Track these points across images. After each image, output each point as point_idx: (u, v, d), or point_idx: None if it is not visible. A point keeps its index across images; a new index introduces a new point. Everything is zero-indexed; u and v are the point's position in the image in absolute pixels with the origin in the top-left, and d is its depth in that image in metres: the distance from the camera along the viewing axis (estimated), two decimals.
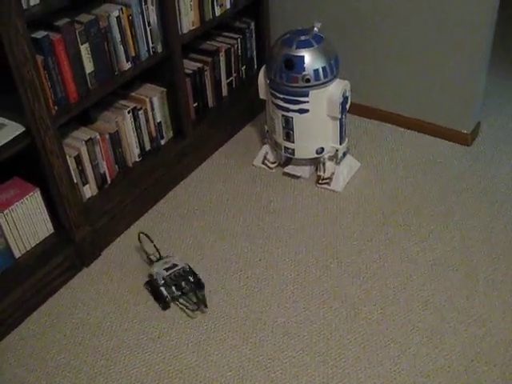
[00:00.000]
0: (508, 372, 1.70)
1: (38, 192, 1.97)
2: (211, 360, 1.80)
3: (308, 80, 2.16)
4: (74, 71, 1.93)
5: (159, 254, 2.08)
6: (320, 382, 1.72)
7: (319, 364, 1.76)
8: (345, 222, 2.25)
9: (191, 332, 1.89)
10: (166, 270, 1.98)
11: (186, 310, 1.95)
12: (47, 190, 1.97)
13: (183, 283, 1.95)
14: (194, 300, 1.95)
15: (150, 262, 2.07)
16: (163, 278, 1.96)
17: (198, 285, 1.96)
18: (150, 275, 2.03)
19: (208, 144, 2.61)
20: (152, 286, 2.01)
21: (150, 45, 2.17)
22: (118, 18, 2.02)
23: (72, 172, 2.01)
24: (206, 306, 1.94)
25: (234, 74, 2.72)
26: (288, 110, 2.25)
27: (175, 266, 1.99)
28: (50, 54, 1.83)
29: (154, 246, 2.10)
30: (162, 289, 1.96)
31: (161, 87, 2.33)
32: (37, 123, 1.80)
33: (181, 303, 1.97)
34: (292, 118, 2.26)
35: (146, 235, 2.12)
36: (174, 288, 1.95)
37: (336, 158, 2.38)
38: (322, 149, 2.34)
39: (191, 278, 1.96)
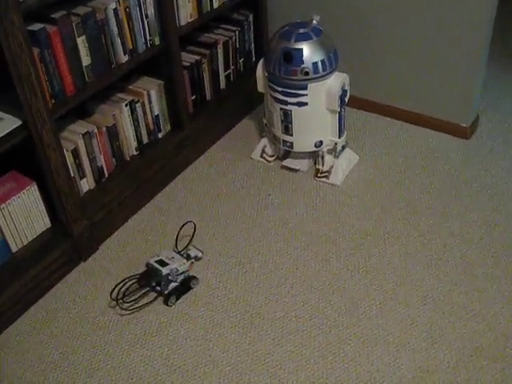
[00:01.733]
0: (507, 367, 1.70)
1: (35, 186, 1.95)
2: (210, 355, 1.80)
3: (307, 73, 2.14)
4: (70, 64, 1.91)
5: (176, 246, 2.10)
6: (319, 376, 1.71)
7: (318, 359, 1.76)
8: (343, 215, 2.24)
9: (189, 327, 1.88)
10: (160, 262, 1.96)
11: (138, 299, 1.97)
12: (44, 183, 1.95)
13: (155, 282, 1.95)
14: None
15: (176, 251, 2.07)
16: (148, 264, 1.98)
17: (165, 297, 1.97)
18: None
19: (206, 137, 2.60)
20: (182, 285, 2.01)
21: (148, 37, 2.16)
22: (115, 10, 2.00)
23: (69, 166, 2.00)
24: (166, 304, 1.96)
25: (232, 67, 2.70)
26: (287, 103, 2.24)
27: (167, 264, 1.95)
28: (47, 47, 1.81)
29: (176, 237, 2.12)
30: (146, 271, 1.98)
31: (158, 80, 2.31)
32: (33, 116, 1.78)
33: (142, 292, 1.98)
34: (291, 111, 2.25)
35: (194, 226, 2.17)
36: (153, 279, 1.95)
37: (335, 152, 2.37)
38: (321, 142, 2.33)
39: (156, 285, 1.94)
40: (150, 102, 2.29)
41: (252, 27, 2.74)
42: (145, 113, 2.29)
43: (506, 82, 2.90)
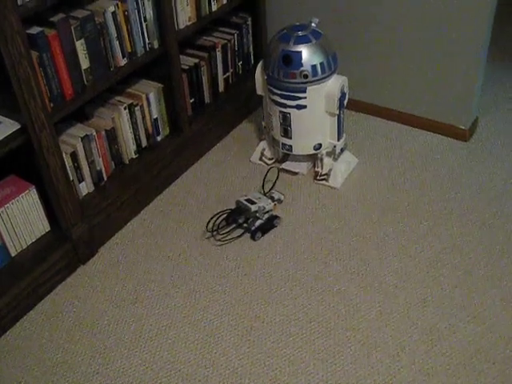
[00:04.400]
0: (508, 369, 1.69)
1: (34, 190, 1.95)
2: (209, 358, 1.79)
3: (306, 76, 2.14)
4: (69, 67, 1.91)
5: (263, 188, 2.33)
6: (319, 379, 1.71)
7: (318, 362, 1.76)
8: (343, 218, 2.24)
9: (189, 330, 1.88)
10: (249, 200, 2.18)
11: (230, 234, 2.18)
12: (43, 187, 1.95)
13: (243, 219, 2.17)
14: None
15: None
16: (238, 202, 2.20)
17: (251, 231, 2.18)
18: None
19: (205, 140, 2.60)
20: (264, 225, 2.19)
21: (146, 40, 2.16)
22: (114, 13, 2.00)
23: (68, 169, 2.00)
24: (252, 238, 2.17)
25: (231, 70, 2.70)
26: (285, 106, 2.24)
27: (255, 203, 2.16)
28: (46, 50, 1.81)
29: (264, 179, 2.34)
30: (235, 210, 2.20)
31: (157, 83, 2.31)
32: (32, 120, 1.78)
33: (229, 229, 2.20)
34: (289, 114, 2.25)
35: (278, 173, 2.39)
36: (241, 216, 2.18)
37: (334, 154, 2.37)
38: (320, 145, 2.33)
39: (243, 222, 2.17)
40: (148, 106, 2.29)
41: (251, 30, 2.74)
42: (144, 116, 2.29)
43: (504, 84, 2.90)
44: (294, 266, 2.06)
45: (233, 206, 2.24)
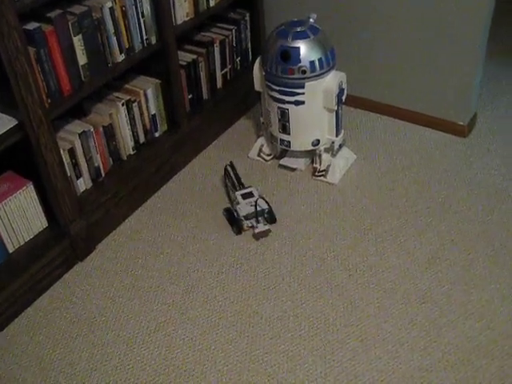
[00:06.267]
0: (506, 365, 1.69)
1: (32, 186, 1.95)
2: (208, 354, 1.79)
3: (304, 71, 2.14)
4: (66, 63, 1.90)
5: (256, 213, 2.17)
6: (317, 376, 1.71)
7: (316, 358, 1.76)
8: (341, 214, 2.23)
9: (187, 327, 1.88)
10: (248, 193, 2.21)
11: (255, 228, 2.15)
12: (41, 183, 1.95)
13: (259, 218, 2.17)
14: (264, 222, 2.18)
15: (233, 191, 2.28)
16: (246, 186, 2.25)
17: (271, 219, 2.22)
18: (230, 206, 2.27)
19: (203, 136, 2.59)
20: (230, 213, 2.22)
21: (144, 36, 2.15)
22: (111, 8, 1.99)
23: (66, 165, 1.99)
24: (274, 221, 2.22)
25: (229, 66, 2.69)
26: (284, 101, 2.23)
27: (244, 199, 2.19)
28: (43, 46, 1.80)
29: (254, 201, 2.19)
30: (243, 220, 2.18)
31: (155, 79, 2.31)
32: (30, 116, 1.77)
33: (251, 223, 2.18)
34: (288, 109, 2.24)
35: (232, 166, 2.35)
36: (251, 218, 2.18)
37: (332, 150, 2.36)
38: (318, 141, 2.33)
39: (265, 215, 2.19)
40: (146, 102, 2.29)
41: (249, 26, 2.73)
42: (141, 112, 2.28)
43: (503, 79, 2.90)
44: (292, 262, 2.06)
45: (235, 202, 2.26)
